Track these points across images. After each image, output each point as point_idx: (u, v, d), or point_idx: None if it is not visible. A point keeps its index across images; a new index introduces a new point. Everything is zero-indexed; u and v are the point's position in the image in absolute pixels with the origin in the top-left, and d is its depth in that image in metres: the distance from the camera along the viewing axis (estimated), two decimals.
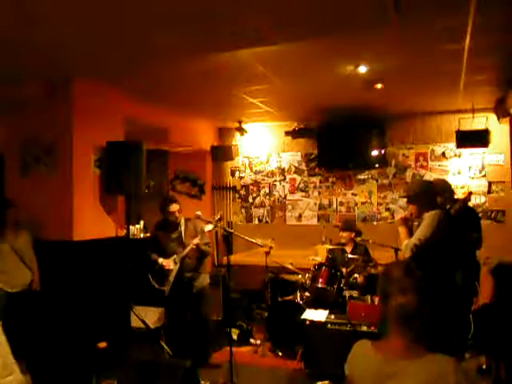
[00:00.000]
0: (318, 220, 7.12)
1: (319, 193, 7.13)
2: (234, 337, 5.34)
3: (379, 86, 4.97)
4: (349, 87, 5.04)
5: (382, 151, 6.57)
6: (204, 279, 4.91)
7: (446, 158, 6.50)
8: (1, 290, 4.33)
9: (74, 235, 4.56)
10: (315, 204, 7.15)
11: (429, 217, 3.52)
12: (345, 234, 5.42)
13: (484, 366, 4.21)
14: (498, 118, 6.00)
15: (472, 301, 4.42)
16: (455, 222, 3.83)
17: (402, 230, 3.76)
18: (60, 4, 2.88)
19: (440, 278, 3.20)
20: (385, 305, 1.74)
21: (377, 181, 6.82)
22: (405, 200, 6.48)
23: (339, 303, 4.76)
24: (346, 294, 4.85)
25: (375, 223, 6.76)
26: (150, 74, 4.57)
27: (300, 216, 7.24)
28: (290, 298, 5.25)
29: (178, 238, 4.78)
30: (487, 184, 6.28)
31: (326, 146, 6.78)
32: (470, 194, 5.15)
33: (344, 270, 5.07)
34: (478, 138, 5.96)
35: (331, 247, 5.62)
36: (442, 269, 3.33)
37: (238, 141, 7.49)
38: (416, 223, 3.76)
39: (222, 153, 7.31)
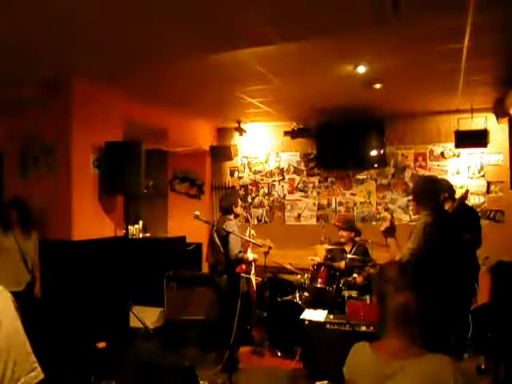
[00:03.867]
0: (317, 220, 7.12)
1: (318, 193, 7.14)
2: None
3: (378, 86, 4.97)
4: (348, 87, 5.04)
5: (381, 151, 6.57)
6: None
7: (445, 158, 6.50)
8: None
9: (73, 235, 4.57)
10: (314, 204, 7.15)
11: (416, 227, 3.48)
12: (345, 234, 5.41)
13: (483, 366, 4.22)
14: (497, 118, 6.01)
15: (471, 301, 4.43)
16: (452, 221, 3.81)
17: (392, 242, 3.67)
18: (60, 4, 2.88)
19: (438, 278, 3.20)
20: (382, 305, 1.74)
21: (376, 181, 6.82)
22: (404, 200, 6.58)
23: (338, 303, 4.76)
24: (345, 293, 4.84)
25: (374, 223, 6.75)
26: (150, 74, 4.57)
27: (299, 216, 7.24)
28: (289, 298, 5.25)
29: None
30: (486, 184, 6.29)
31: (325, 146, 6.77)
32: (467, 192, 5.13)
33: (343, 270, 5.07)
34: (477, 138, 5.95)
35: (330, 247, 5.62)
36: (440, 269, 3.32)
37: (237, 141, 7.48)
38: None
39: (221, 153, 7.30)
